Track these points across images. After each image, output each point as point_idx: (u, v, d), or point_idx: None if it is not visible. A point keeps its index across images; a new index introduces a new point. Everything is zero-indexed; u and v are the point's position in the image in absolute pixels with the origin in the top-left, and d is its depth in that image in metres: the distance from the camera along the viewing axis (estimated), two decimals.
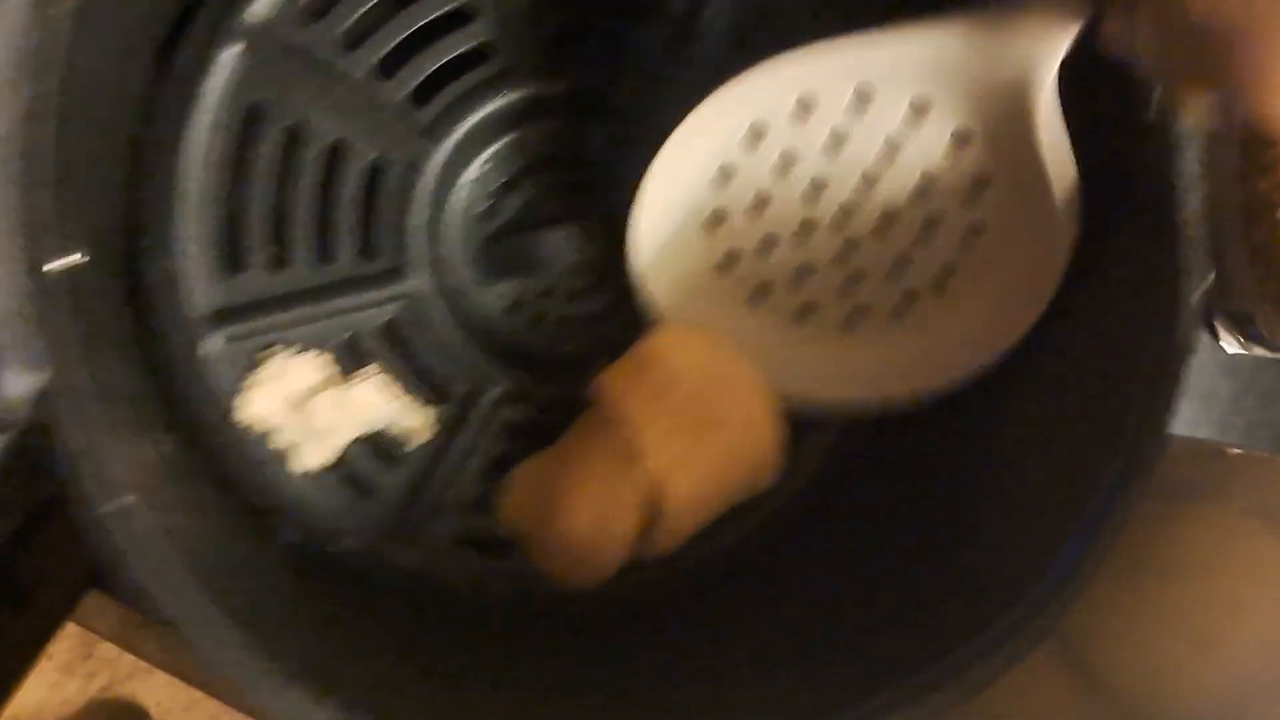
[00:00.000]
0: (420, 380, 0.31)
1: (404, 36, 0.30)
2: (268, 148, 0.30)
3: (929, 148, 0.28)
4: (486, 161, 0.32)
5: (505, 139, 0.32)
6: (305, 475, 0.30)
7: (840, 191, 0.28)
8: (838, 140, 0.28)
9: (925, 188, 0.28)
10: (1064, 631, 0.27)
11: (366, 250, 0.31)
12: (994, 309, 0.29)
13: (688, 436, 0.27)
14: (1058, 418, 0.29)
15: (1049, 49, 0.25)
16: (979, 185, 0.28)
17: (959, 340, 0.29)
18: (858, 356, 0.30)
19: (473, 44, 0.31)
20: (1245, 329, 0.37)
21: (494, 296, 0.32)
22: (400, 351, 0.31)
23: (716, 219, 0.29)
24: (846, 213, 0.29)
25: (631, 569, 0.29)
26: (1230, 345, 0.38)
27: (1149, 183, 0.26)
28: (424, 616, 0.30)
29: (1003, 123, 0.27)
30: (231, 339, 0.30)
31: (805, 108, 0.27)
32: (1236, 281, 0.35)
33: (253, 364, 0.30)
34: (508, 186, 0.32)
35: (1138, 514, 0.26)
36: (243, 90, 0.29)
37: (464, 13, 0.31)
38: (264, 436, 0.30)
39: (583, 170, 0.32)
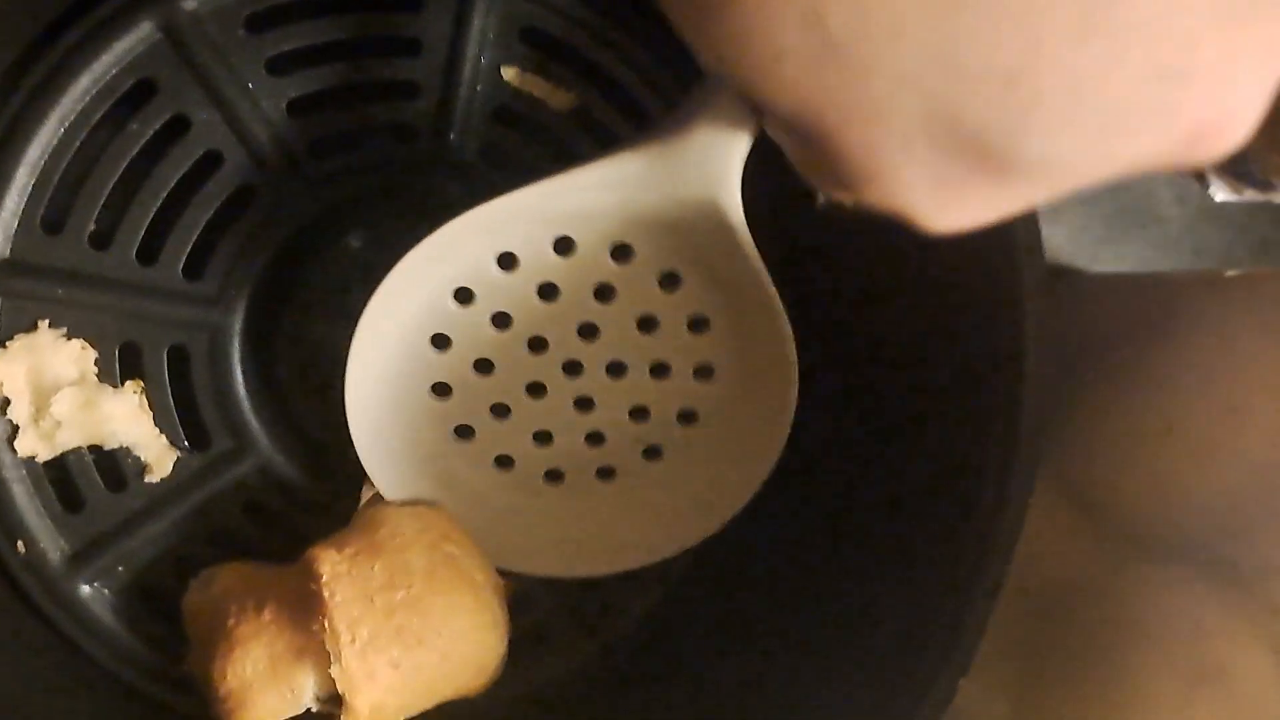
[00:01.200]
0: (184, 419, 0.29)
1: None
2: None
3: (641, 291, 0.26)
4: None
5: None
6: (20, 459, 0.28)
7: (563, 344, 0.27)
8: (549, 291, 0.26)
9: (647, 331, 0.26)
10: (1058, 464, 0.27)
11: (193, 267, 0.29)
12: (740, 450, 0.27)
13: (393, 649, 0.24)
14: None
15: (724, 171, 0.23)
16: (698, 324, 0.26)
17: (712, 487, 0.27)
18: (615, 516, 0.28)
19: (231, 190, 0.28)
20: (1235, 166, 0.33)
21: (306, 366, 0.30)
22: (178, 381, 0.29)
23: (444, 385, 0.27)
24: (574, 365, 0.27)
25: None
26: (1219, 191, 0.34)
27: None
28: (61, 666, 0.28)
29: (704, 258, 0.25)
30: (6, 292, 0.27)
31: (508, 263, 0.26)
32: None
33: (17, 327, 0.27)
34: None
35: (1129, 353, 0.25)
36: None
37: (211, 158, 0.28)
38: None
39: None
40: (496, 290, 0.26)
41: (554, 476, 0.28)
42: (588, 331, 0.26)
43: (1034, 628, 0.27)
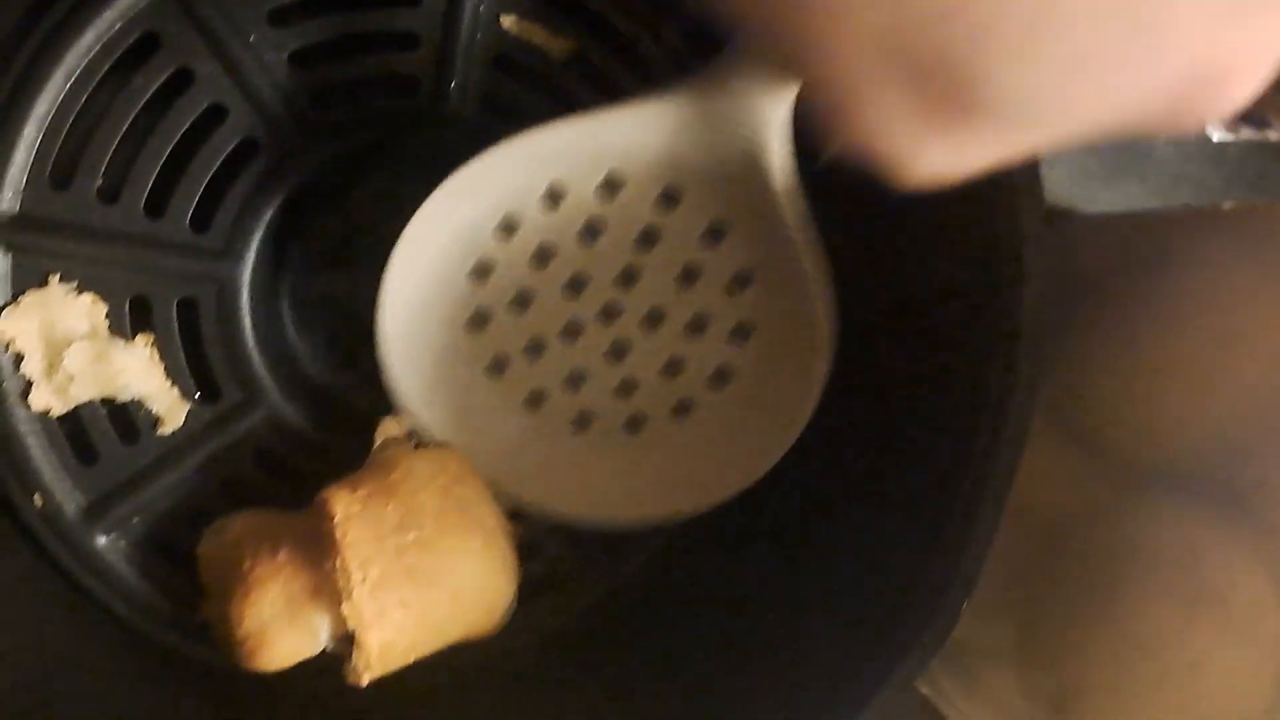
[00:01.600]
0: (193, 371, 0.29)
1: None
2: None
3: (686, 241, 0.26)
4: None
5: None
6: (34, 414, 0.28)
7: (602, 287, 0.27)
8: (593, 232, 0.26)
9: (688, 283, 0.26)
10: (1057, 396, 0.27)
11: (200, 220, 0.29)
12: (768, 414, 0.27)
13: (404, 589, 0.25)
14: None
15: (765, 123, 0.23)
16: (740, 281, 0.26)
17: (739, 448, 0.27)
18: (640, 468, 0.28)
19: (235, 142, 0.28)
20: None
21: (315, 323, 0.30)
22: (188, 334, 0.29)
23: (479, 319, 0.27)
24: (612, 311, 0.27)
25: None
26: (1216, 130, 0.35)
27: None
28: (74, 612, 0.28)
29: (750, 212, 0.25)
30: (17, 248, 0.28)
31: (555, 197, 0.26)
32: None
33: (28, 282, 0.28)
34: None
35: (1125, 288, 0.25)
36: None
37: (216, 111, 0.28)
38: (7, 358, 0.28)
39: None
40: (540, 225, 0.26)
41: (582, 422, 0.28)
42: (628, 278, 0.26)
43: (1035, 556, 0.27)
